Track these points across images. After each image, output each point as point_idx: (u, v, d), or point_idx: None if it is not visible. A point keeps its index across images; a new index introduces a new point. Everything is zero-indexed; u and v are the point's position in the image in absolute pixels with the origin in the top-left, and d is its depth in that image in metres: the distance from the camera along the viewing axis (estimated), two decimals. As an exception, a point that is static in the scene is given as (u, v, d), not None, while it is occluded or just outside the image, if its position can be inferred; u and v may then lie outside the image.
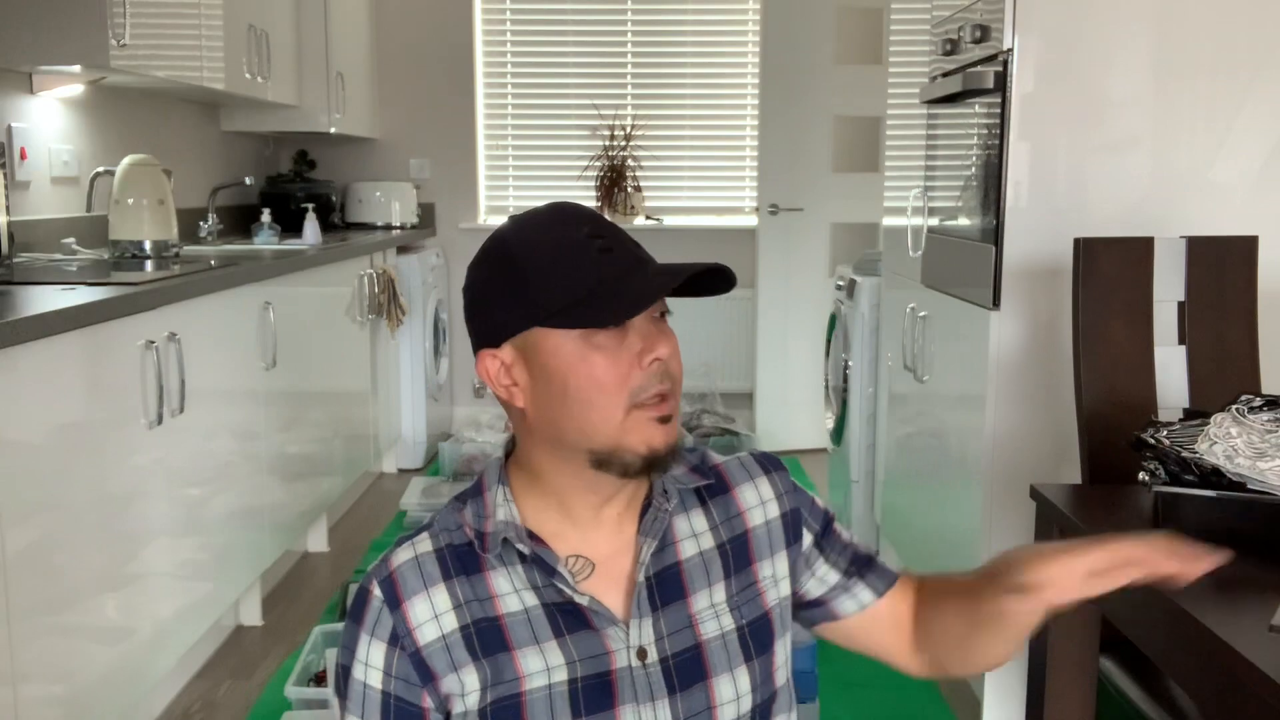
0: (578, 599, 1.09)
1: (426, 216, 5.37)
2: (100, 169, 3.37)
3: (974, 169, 2.60)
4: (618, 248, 1.07)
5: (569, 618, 1.09)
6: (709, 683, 1.12)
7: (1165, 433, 1.58)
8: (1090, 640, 1.72)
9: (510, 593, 1.09)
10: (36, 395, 2.00)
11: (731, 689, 1.13)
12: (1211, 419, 1.55)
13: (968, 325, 2.58)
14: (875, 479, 3.63)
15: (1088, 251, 2.00)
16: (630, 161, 5.40)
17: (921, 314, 3.00)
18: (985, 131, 2.51)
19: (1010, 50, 2.35)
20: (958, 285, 2.68)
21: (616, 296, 1.04)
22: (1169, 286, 2.02)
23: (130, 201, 3.17)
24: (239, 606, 3.17)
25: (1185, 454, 1.49)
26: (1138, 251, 2.02)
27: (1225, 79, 2.36)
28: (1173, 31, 2.35)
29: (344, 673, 1.11)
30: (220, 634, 3.07)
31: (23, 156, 3.09)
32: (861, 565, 1.25)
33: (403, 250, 4.83)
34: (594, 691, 1.08)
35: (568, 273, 1.05)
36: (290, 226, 4.42)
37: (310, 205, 4.39)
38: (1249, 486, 1.43)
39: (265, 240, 4.18)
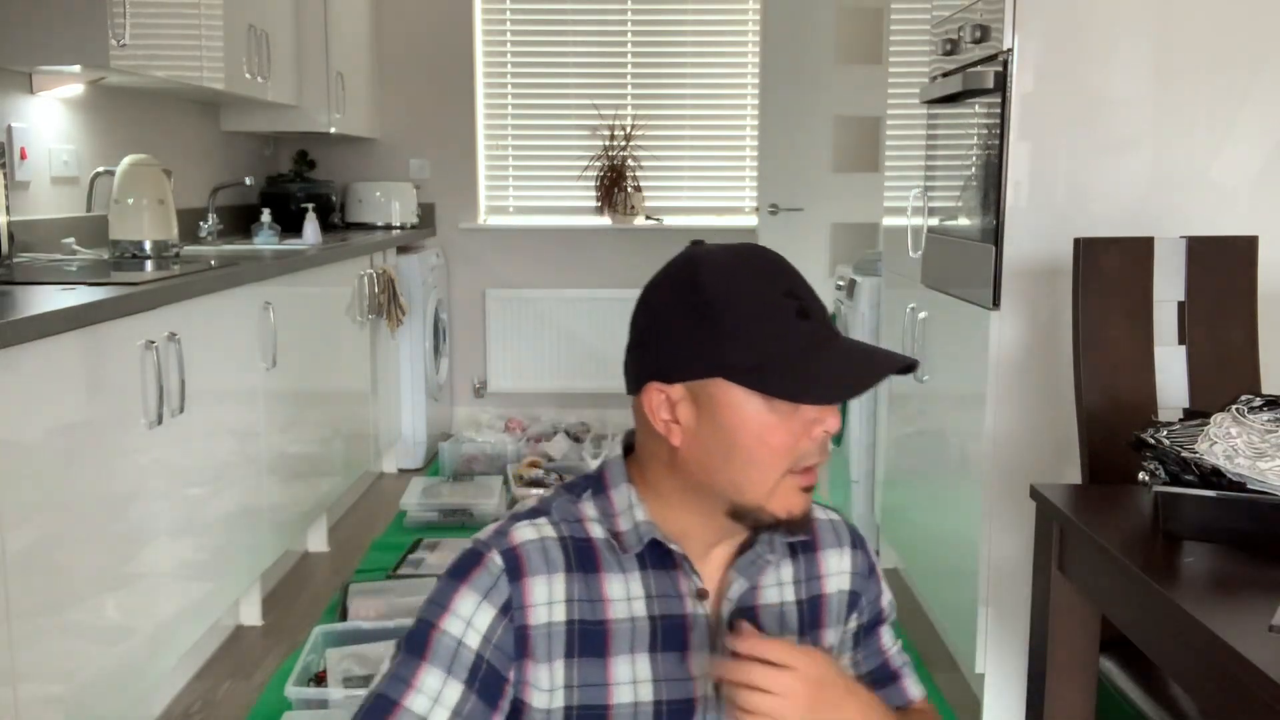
0: (700, 612, 1.12)
1: (426, 216, 5.37)
2: (100, 169, 3.37)
3: (974, 169, 2.60)
4: (814, 313, 1.07)
5: (668, 635, 1.11)
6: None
7: (1165, 433, 1.58)
8: (1090, 640, 1.72)
9: (621, 600, 1.10)
10: (36, 395, 2.00)
11: None
12: (1211, 419, 1.55)
13: (968, 325, 2.58)
14: (875, 479, 3.63)
15: (1088, 251, 2.00)
16: (630, 161, 5.40)
17: (921, 314, 3.00)
18: (985, 131, 2.51)
19: (1010, 50, 2.35)
20: (958, 285, 2.68)
21: (819, 376, 1.04)
22: (1169, 286, 2.02)
23: (130, 201, 3.17)
24: (239, 606, 3.17)
25: (1185, 454, 1.49)
26: (1138, 251, 2.02)
27: (1225, 79, 2.36)
28: (1173, 31, 2.35)
29: (427, 627, 1.08)
30: (220, 634, 3.07)
31: (23, 156, 3.09)
32: (882, 680, 1.27)
33: (403, 250, 4.83)
34: (676, 715, 1.10)
35: (766, 333, 1.05)
36: (290, 226, 4.42)
37: (310, 205, 4.39)
38: (1249, 486, 1.43)
39: (265, 240, 4.18)
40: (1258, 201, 2.38)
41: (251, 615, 3.20)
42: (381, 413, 4.53)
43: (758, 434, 1.05)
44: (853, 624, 1.24)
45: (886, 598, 1.28)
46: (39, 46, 2.87)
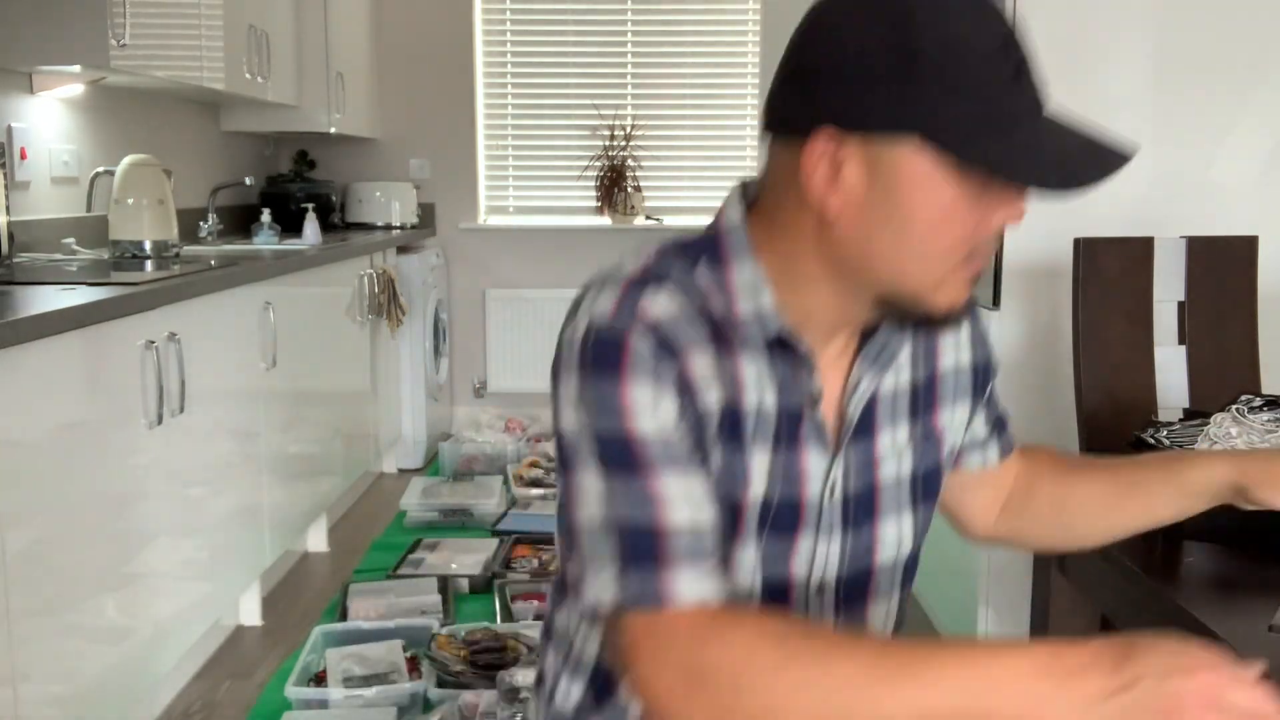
0: (815, 415, 0.98)
1: (426, 216, 5.37)
2: (100, 169, 3.37)
3: (974, 169, 2.60)
4: (1031, 68, 0.89)
5: (788, 432, 0.96)
6: (875, 523, 1.04)
7: (1165, 433, 1.58)
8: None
9: (754, 385, 0.95)
10: (36, 395, 2.00)
11: (895, 533, 1.06)
12: (1211, 419, 1.55)
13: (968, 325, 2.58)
14: (875, 479, 3.63)
15: (1088, 251, 2.00)
16: (630, 161, 5.40)
17: (921, 314, 3.00)
18: (985, 131, 2.51)
19: (1010, 50, 2.35)
20: (958, 285, 2.68)
21: (1040, 152, 0.86)
22: (1169, 286, 2.02)
23: (130, 201, 3.17)
24: (239, 606, 3.17)
25: (1185, 454, 1.49)
26: (1138, 251, 2.02)
27: (1225, 79, 2.36)
28: (1173, 31, 2.35)
29: (620, 436, 0.88)
30: (220, 634, 3.07)
31: (23, 156, 3.09)
32: (999, 424, 1.21)
33: (403, 250, 4.83)
34: (783, 515, 0.99)
35: (985, 91, 0.85)
36: (290, 226, 4.42)
37: (310, 205, 4.39)
38: (1249, 486, 1.42)
39: (265, 240, 4.18)
40: (1258, 201, 2.38)
41: (251, 615, 3.20)
42: (381, 413, 4.53)
43: (939, 215, 0.87)
44: (984, 392, 1.16)
45: (993, 350, 1.18)
46: (39, 46, 2.87)
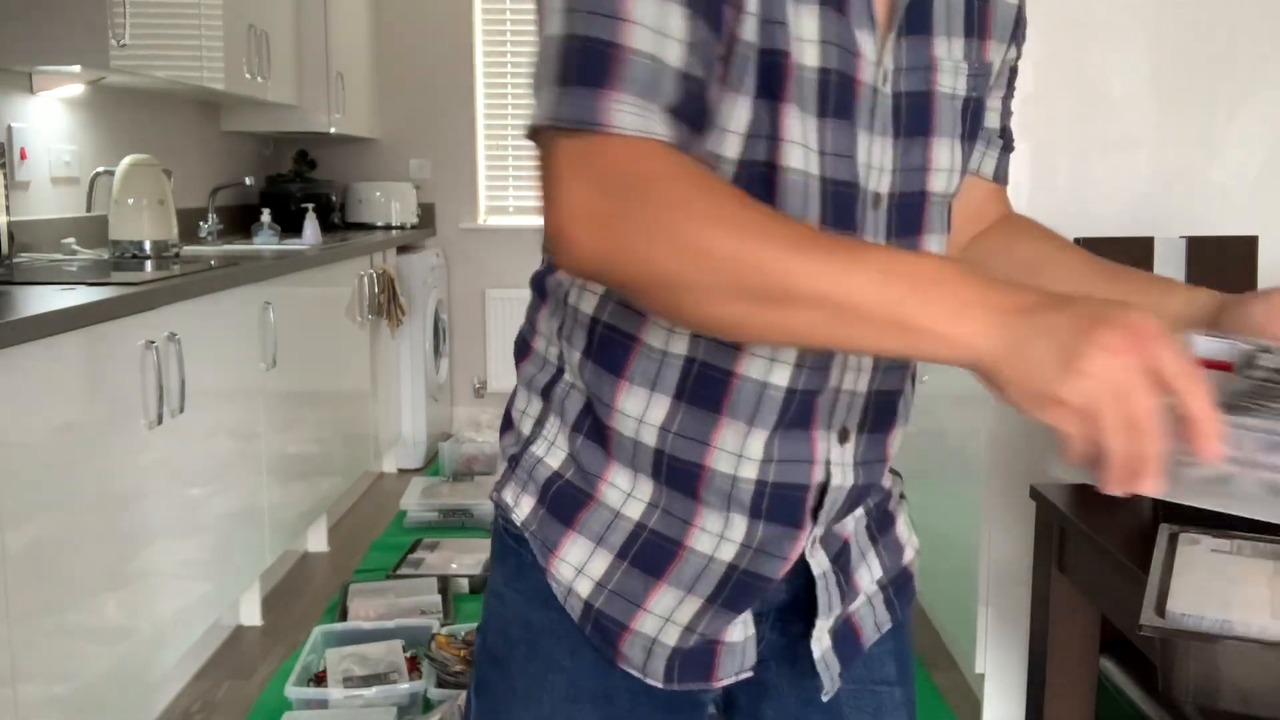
0: (878, 85, 0.89)
1: (426, 216, 5.37)
2: (100, 169, 3.37)
3: (974, 169, 2.60)
4: None
5: (840, 97, 0.87)
6: (930, 140, 0.94)
7: (1165, 433, 1.58)
8: (1090, 640, 1.72)
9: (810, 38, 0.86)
10: (36, 395, 2.00)
11: (948, 156, 0.95)
12: (1211, 419, 1.55)
13: (968, 325, 2.58)
14: (875, 479, 3.63)
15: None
16: (630, 161, 5.40)
17: (921, 314, 2.99)
18: (985, 131, 2.51)
19: (1010, 50, 2.35)
20: (958, 285, 2.68)
21: None
22: (1169, 286, 2.02)
23: (130, 201, 3.17)
24: (239, 606, 3.17)
25: (1185, 454, 1.49)
26: (1138, 251, 2.02)
27: (1225, 79, 2.36)
28: (1173, 31, 2.35)
29: None
30: (220, 634, 3.07)
31: (23, 156, 3.09)
32: (1007, 136, 1.10)
33: (403, 250, 4.83)
34: (841, 95, 0.87)
35: None
36: (290, 226, 4.42)
37: (310, 205, 4.39)
38: (1249, 486, 1.42)
39: (265, 240, 4.18)
40: (1258, 201, 2.38)
41: (251, 615, 3.20)
42: (381, 413, 4.53)
43: None
44: (1012, 54, 1.03)
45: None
46: (39, 46, 2.87)
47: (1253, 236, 2.05)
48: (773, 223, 0.75)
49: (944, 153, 0.95)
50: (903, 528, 1.11)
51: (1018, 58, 1.05)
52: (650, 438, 0.91)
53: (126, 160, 3.21)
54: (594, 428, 0.93)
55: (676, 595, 0.93)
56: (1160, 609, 1.16)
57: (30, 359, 1.96)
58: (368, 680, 2.60)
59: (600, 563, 0.94)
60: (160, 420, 2.42)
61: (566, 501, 0.95)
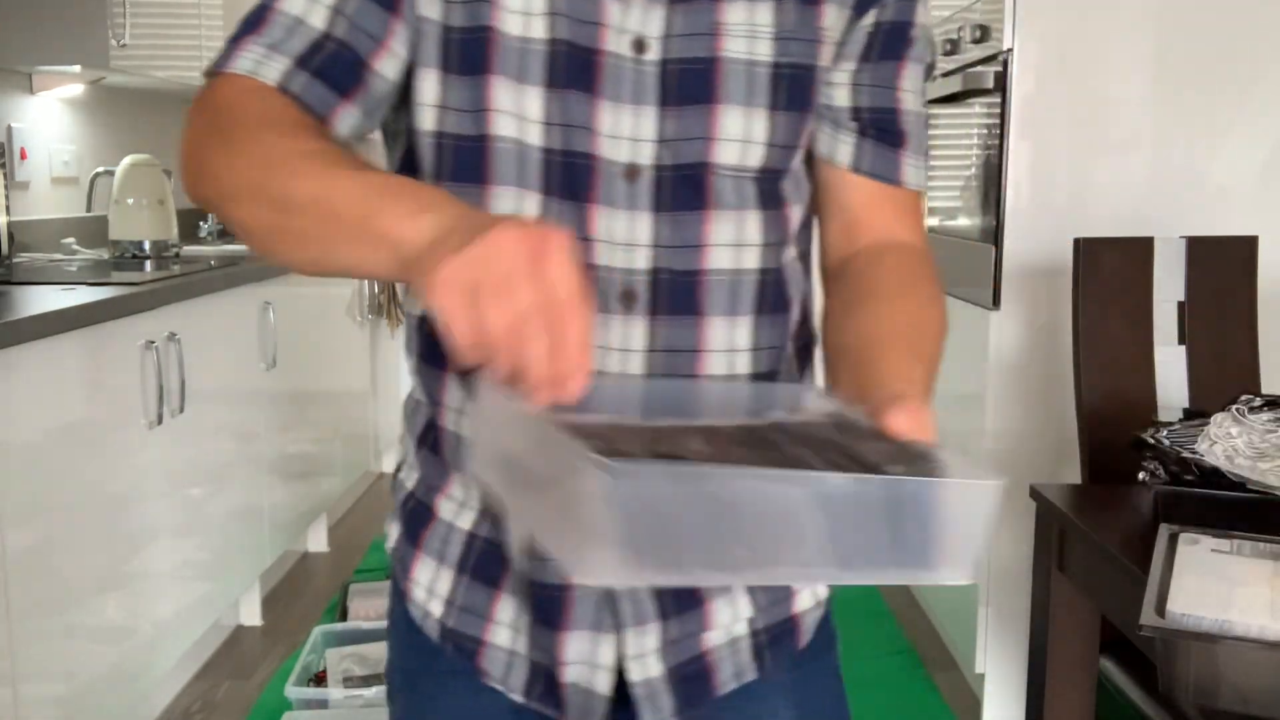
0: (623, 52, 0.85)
1: (426, 216, 5.37)
2: (100, 169, 3.37)
3: (974, 169, 2.60)
4: None
5: (571, 69, 0.85)
6: (714, 108, 0.86)
7: (1165, 433, 1.58)
8: (1090, 640, 1.72)
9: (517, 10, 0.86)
10: (36, 395, 2.00)
11: (740, 126, 0.87)
12: (1211, 419, 1.55)
13: (967, 325, 2.58)
14: (875, 479, 3.63)
15: (1088, 251, 2.00)
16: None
17: (921, 314, 2.99)
18: (985, 131, 2.51)
19: (1010, 50, 2.35)
20: (957, 285, 2.68)
21: None
22: (1169, 286, 2.02)
23: (130, 201, 3.17)
24: (239, 607, 3.17)
25: (1185, 454, 1.49)
26: (1138, 251, 2.02)
27: (1225, 79, 2.36)
28: (1173, 31, 2.35)
29: None
30: (220, 634, 3.07)
31: (23, 156, 3.09)
32: (881, 128, 0.94)
33: (403, 250, 4.83)
34: (574, 65, 0.84)
35: None
36: (290, 226, 4.42)
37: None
38: (1249, 487, 1.43)
39: (265, 240, 4.18)
40: (1258, 201, 2.38)
41: (251, 615, 3.20)
42: (381, 413, 4.53)
43: None
44: (867, 20, 0.91)
45: (921, 26, 0.94)
46: (39, 46, 2.87)
47: (1253, 236, 2.05)
48: (307, 145, 0.77)
49: (734, 122, 0.87)
50: None
51: (885, 22, 0.92)
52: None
53: (126, 160, 3.21)
54: (434, 438, 0.94)
55: (516, 604, 0.92)
56: (1160, 609, 1.16)
57: (30, 359, 1.96)
58: (368, 680, 2.59)
59: (446, 580, 0.93)
60: (160, 420, 2.42)
61: (416, 521, 0.96)
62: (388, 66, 0.85)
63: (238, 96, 0.82)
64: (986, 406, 2.45)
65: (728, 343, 0.90)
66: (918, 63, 0.95)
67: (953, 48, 2.72)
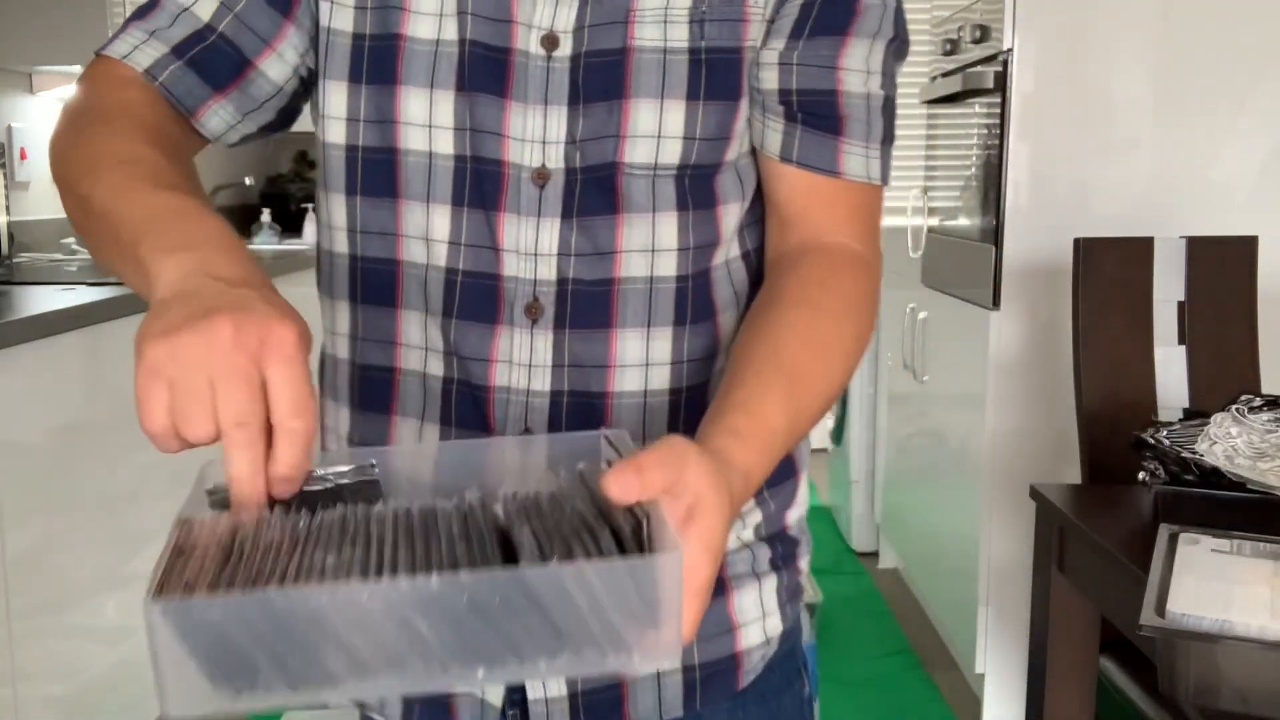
0: (534, 50, 0.81)
1: (426, 216, 5.37)
2: (100, 169, 3.37)
3: (974, 169, 2.60)
4: None
5: (481, 72, 0.81)
6: (625, 104, 0.81)
7: (1165, 433, 1.58)
8: (1090, 640, 1.72)
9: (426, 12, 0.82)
10: (36, 395, 2.00)
11: (652, 120, 0.81)
12: (1211, 419, 1.55)
13: (968, 325, 2.58)
14: (875, 479, 3.64)
15: (1088, 251, 2.00)
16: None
17: (921, 314, 3.00)
18: (985, 131, 2.51)
19: (1010, 50, 2.35)
20: (957, 285, 2.68)
21: None
22: (1169, 286, 2.02)
23: (130, 201, 3.17)
24: (239, 606, 3.17)
25: (1185, 454, 1.49)
26: (1138, 251, 2.02)
27: (1225, 79, 2.36)
28: (1173, 31, 2.35)
29: None
30: (220, 634, 3.07)
31: (23, 156, 3.09)
32: (814, 113, 0.84)
33: (403, 250, 4.83)
34: (485, 66, 0.81)
35: None
36: (290, 226, 4.42)
37: (310, 205, 4.39)
38: (1249, 487, 1.43)
39: (265, 240, 4.18)
40: (1258, 201, 2.38)
41: (251, 615, 3.20)
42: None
43: None
44: None
45: None
46: (39, 46, 2.87)
47: (1253, 236, 2.05)
48: (128, 149, 0.74)
49: (646, 117, 0.81)
50: (748, 604, 0.90)
51: (835, 13, 0.83)
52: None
53: (126, 160, 3.21)
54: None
55: None
56: (1160, 609, 1.16)
57: (30, 359, 1.96)
58: (368, 680, 2.59)
59: None
60: (160, 420, 2.42)
61: None
62: (273, 68, 0.84)
63: (105, 82, 0.81)
64: (986, 406, 2.45)
65: (642, 357, 0.85)
66: (866, 37, 0.83)
67: (953, 48, 2.72)
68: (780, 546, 0.93)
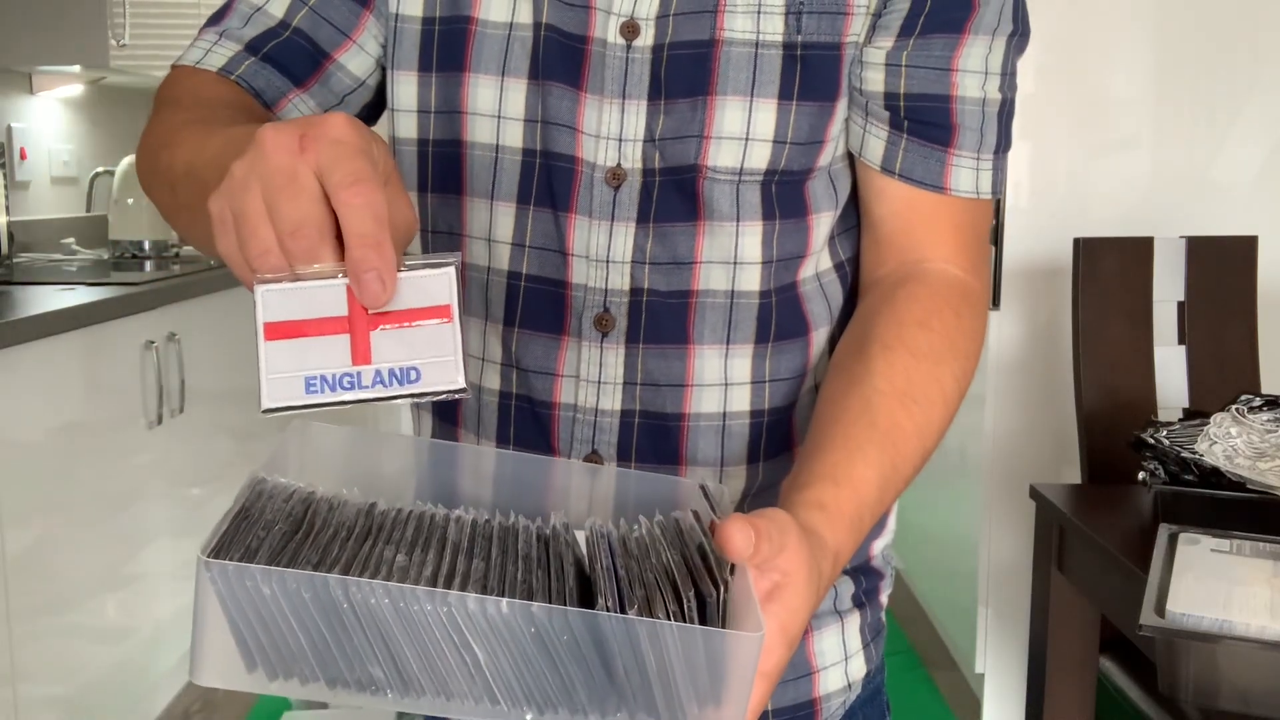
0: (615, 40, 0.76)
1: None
2: (100, 169, 3.37)
3: (974, 169, 2.60)
4: None
5: (560, 60, 0.76)
6: (711, 101, 0.75)
7: (1165, 433, 1.58)
8: (1090, 640, 1.72)
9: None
10: (36, 395, 2.00)
11: (741, 121, 0.75)
12: (1211, 419, 1.55)
13: (968, 325, 2.58)
14: (875, 479, 3.63)
15: (1088, 251, 2.00)
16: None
17: (921, 314, 3.00)
18: (985, 131, 2.51)
19: (1010, 50, 2.35)
20: (958, 285, 2.68)
21: None
22: (1169, 286, 2.02)
23: (130, 201, 3.17)
24: (239, 606, 3.17)
25: (1185, 454, 1.49)
26: (1138, 251, 2.02)
27: (1225, 79, 2.36)
28: (1173, 31, 2.35)
29: None
30: (220, 634, 3.07)
31: (23, 156, 3.09)
32: (924, 120, 0.77)
33: (403, 250, 4.83)
34: (560, 54, 0.75)
35: None
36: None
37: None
38: (1249, 486, 1.43)
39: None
40: (1258, 201, 2.38)
41: (251, 615, 3.20)
42: (381, 412, 4.53)
43: None
44: None
45: None
46: (39, 46, 2.87)
47: (1253, 236, 2.05)
48: (194, 114, 0.72)
49: (733, 117, 0.74)
50: (828, 645, 0.84)
51: (918, 10, 0.76)
52: None
53: (126, 160, 3.21)
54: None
55: None
56: (1160, 609, 1.16)
57: (30, 359, 1.96)
58: (368, 680, 2.60)
59: None
60: (160, 420, 2.42)
61: None
62: (353, 61, 0.80)
63: (179, 84, 0.79)
64: (986, 406, 2.45)
65: (720, 376, 0.79)
66: (985, 34, 0.76)
67: (953, 48, 2.72)
68: (864, 580, 0.87)
